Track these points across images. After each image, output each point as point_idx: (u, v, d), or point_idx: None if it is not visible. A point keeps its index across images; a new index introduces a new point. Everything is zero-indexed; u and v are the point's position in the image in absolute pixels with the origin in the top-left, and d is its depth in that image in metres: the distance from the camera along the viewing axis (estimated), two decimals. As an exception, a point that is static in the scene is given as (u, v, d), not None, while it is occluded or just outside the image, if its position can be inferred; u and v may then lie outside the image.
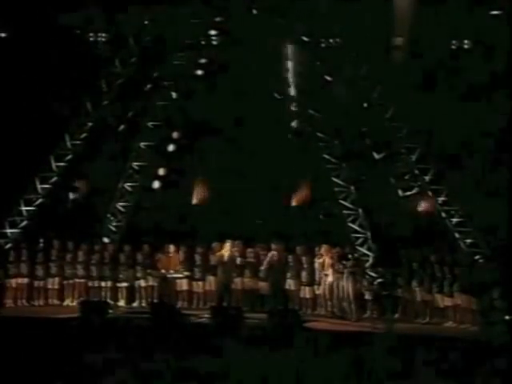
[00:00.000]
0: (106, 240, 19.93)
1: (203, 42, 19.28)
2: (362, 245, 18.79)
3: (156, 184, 20.21)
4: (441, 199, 18.84)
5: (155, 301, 18.35)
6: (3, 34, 18.93)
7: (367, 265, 18.53)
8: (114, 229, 20.25)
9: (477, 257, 18.39)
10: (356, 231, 18.87)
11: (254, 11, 18.99)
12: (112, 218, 20.26)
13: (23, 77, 19.09)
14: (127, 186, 20.22)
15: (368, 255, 18.68)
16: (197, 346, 15.72)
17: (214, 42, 19.22)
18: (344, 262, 18.18)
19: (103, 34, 19.02)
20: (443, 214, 18.80)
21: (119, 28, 18.88)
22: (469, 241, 18.72)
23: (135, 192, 20.30)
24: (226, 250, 18.30)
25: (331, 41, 19.36)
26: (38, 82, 19.03)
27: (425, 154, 18.86)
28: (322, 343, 15.67)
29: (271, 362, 14.87)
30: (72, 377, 14.66)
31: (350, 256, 18.37)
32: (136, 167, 20.20)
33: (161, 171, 20.22)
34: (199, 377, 14.54)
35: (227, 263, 18.19)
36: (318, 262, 18.29)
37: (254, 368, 14.68)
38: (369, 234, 18.82)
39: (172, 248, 18.79)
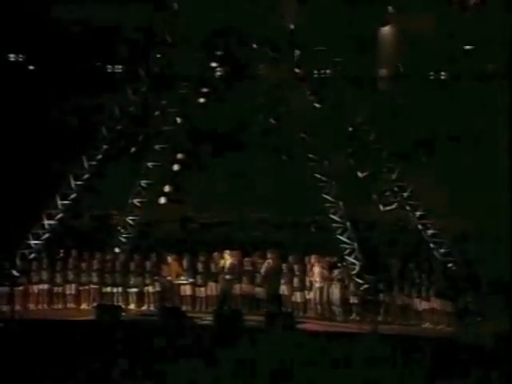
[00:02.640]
0: (117, 250, 20.54)
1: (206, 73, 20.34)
2: (349, 254, 19.36)
3: (162, 200, 20.91)
4: (418, 213, 19.74)
5: (162, 305, 19.06)
6: (31, 67, 20.30)
7: (354, 272, 19.21)
8: (124, 240, 20.78)
9: (449, 265, 19.40)
10: (344, 242, 19.45)
11: (254, 45, 20.09)
12: (122, 231, 20.78)
13: (48, 103, 20.36)
14: (136, 201, 20.73)
15: (355, 264, 19.28)
16: (201, 346, 16.72)
17: (219, 73, 20.18)
18: (333, 270, 19.15)
19: (120, 66, 20.17)
20: (420, 227, 19.73)
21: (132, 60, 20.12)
22: (442, 250, 19.65)
23: (143, 207, 20.77)
24: (226, 259, 19.35)
25: (322, 71, 20.48)
26: (60, 110, 20.38)
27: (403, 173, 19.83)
28: (312, 342, 16.83)
29: (269, 360, 16.06)
30: (88, 372, 15.98)
31: (338, 264, 19.33)
32: (144, 185, 20.70)
33: (166, 188, 20.93)
34: (203, 375, 15.79)
35: (228, 271, 19.23)
36: (309, 269, 19.20)
37: (253, 365, 15.96)
38: (355, 244, 19.48)
39: (177, 257, 19.60)
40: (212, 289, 19.55)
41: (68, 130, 20.73)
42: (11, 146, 20.70)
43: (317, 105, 20.02)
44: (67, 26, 20.32)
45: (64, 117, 20.58)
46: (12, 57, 20.48)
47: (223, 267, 19.40)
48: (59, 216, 20.39)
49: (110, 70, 20.47)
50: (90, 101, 20.68)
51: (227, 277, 19.29)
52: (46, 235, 20.33)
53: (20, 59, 20.61)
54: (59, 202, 20.35)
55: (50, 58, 20.37)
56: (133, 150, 20.70)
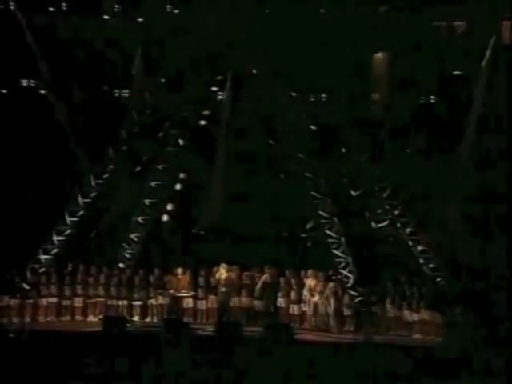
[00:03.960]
0: (121, 265, 20.89)
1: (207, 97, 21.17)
2: (344, 268, 20.12)
3: (165, 217, 21.68)
4: (408, 230, 20.45)
5: (167, 317, 19.69)
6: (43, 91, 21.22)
7: (348, 285, 19.94)
8: (128, 256, 21.09)
9: (438, 279, 20.12)
10: (339, 257, 20.20)
11: (254, 71, 20.97)
12: (127, 247, 21.14)
13: (58, 125, 21.19)
14: (140, 219, 21.18)
15: (349, 277, 20.03)
16: (203, 355, 17.29)
17: (220, 97, 20.91)
18: (328, 283, 19.78)
19: (126, 91, 20.97)
20: (410, 243, 20.41)
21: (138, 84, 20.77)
22: (431, 265, 20.32)
23: (147, 224, 21.21)
24: (222, 273, 20.03)
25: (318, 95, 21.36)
26: (68, 132, 21.11)
27: (394, 192, 20.49)
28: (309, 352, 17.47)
29: (268, 368, 16.75)
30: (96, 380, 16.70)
31: (333, 278, 20.04)
32: (148, 203, 21.18)
33: (169, 206, 21.71)
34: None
35: (224, 283, 19.92)
36: (305, 283, 19.81)
37: (254, 373, 16.66)
38: (350, 258, 20.18)
39: (179, 271, 20.29)
40: (212, 301, 20.19)
41: (76, 151, 21.46)
42: (22, 166, 21.43)
43: (313, 127, 20.88)
44: (76, 52, 21.13)
45: (73, 138, 21.22)
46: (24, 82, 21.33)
47: (219, 280, 20.06)
48: (68, 232, 21.08)
49: (117, 94, 21.20)
50: (97, 123, 21.34)
51: (223, 289, 19.96)
52: (55, 250, 21.00)
53: (32, 84, 21.45)
54: (68, 219, 21.07)
55: (60, 83, 21.13)
56: (137, 169, 21.45)
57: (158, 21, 21.38)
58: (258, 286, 20.02)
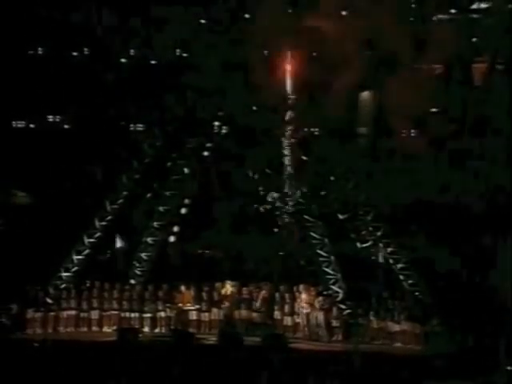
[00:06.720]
0: (133, 281, 22.40)
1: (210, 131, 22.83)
2: (333, 284, 21.53)
3: (172, 238, 23.05)
4: (389, 249, 21.86)
5: (173, 327, 21.15)
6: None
7: (338, 299, 21.33)
8: (139, 273, 22.65)
9: (416, 293, 21.61)
10: (329, 274, 21.59)
11: (254, 107, 22.58)
12: (138, 265, 22.68)
13: (80, 156, 23.07)
14: (149, 240, 22.67)
15: (338, 292, 21.45)
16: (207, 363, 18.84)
17: (224, 131, 22.57)
18: (319, 298, 21.23)
19: (140, 125, 22.89)
20: (391, 261, 21.84)
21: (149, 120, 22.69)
22: (410, 281, 21.79)
23: (156, 245, 22.72)
24: (228, 289, 21.53)
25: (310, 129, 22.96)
26: (87, 163, 23.15)
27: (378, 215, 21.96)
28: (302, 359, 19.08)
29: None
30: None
31: (324, 293, 21.45)
32: (156, 226, 22.69)
33: (175, 228, 23.07)
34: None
35: (229, 298, 21.45)
36: (298, 297, 21.21)
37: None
38: (339, 275, 21.50)
39: (185, 287, 21.62)
40: (215, 314, 21.59)
41: (92, 181, 23.43)
42: (46, 194, 23.34)
43: (304, 157, 22.50)
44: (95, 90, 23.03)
45: (92, 168, 23.20)
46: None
47: (225, 295, 21.54)
48: (86, 252, 22.60)
49: (132, 128, 23.21)
50: (113, 154, 23.30)
51: (227, 303, 21.40)
52: (75, 268, 22.51)
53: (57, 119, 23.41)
54: (86, 240, 22.62)
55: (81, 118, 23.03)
56: (148, 195, 23.04)
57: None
58: (259, 300, 21.47)
